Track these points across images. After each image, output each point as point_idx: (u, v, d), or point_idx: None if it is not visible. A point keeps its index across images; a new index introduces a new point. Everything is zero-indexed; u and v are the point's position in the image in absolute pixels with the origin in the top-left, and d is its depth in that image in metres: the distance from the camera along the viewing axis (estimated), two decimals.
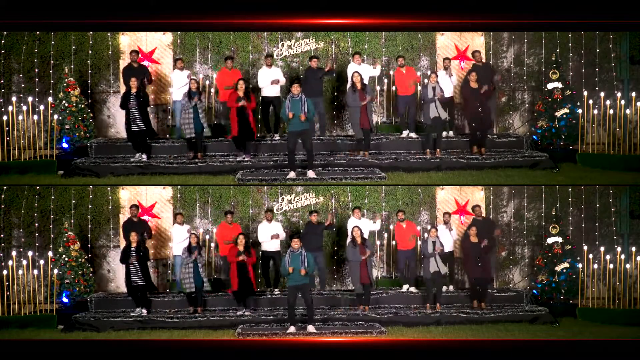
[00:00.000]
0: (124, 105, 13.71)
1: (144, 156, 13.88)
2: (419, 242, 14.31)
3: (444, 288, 14.13)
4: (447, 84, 14.43)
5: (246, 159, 13.93)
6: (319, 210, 14.37)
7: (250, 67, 14.81)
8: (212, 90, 14.67)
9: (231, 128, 13.89)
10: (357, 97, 13.83)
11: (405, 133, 14.55)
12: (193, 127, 13.78)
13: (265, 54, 14.59)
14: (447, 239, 14.10)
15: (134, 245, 13.37)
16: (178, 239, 13.97)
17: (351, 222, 13.96)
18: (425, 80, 14.37)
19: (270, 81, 14.26)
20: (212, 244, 14.39)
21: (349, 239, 13.78)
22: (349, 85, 14.13)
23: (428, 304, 13.78)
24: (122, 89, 14.29)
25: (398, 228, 14.19)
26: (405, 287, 14.21)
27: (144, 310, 13.49)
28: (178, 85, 14.20)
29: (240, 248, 13.34)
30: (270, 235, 13.96)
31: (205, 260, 13.80)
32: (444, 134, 14.41)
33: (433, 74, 14.22)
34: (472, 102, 14.08)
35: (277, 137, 14.50)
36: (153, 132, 14.09)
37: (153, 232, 14.35)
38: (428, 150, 14.17)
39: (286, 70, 14.89)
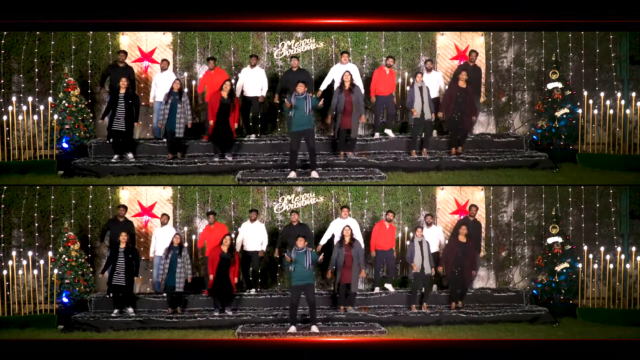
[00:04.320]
0: (112, 104, 13.64)
1: (130, 155, 13.82)
2: (407, 243, 14.33)
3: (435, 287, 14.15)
4: (432, 85, 14.39)
5: (229, 159, 13.89)
6: (299, 211, 14.35)
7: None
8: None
9: (209, 128, 13.86)
10: (343, 97, 13.77)
11: (377, 135, 14.51)
12: (164, 125, 13.74)
13: (250, 54, 14.56)
14: (433, 239, 14.07)
15: (122, 245, 13.35)
16: (160, 240, 13.92)
17: (338, 223, 13.91)
18: (411, 80, 14.35)
19: (253, 81, 14.22)
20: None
21: (337, 239, 13.73)
22: (337, 84, 14.07)
23: (414, 305, 13.76)
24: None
25: (380, 227, 14.12)
26: (377, 289, 14.16)
27: (130, 309, 13.46)
28: (160, 85, 14.14)
29: (224, 249, 13.32)
30: (257, 236, 13.95)
31: (186, 261, 13.63)
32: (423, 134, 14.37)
33: (419, 74, 14.17)
34: (455, 101, 14.01)
35: (266, 137, 14.47)
36: (131, 136, 13.88)
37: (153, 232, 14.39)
38: (415, 150, 14.14)
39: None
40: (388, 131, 14.56)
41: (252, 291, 14.14)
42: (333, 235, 13.89)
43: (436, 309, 13.70)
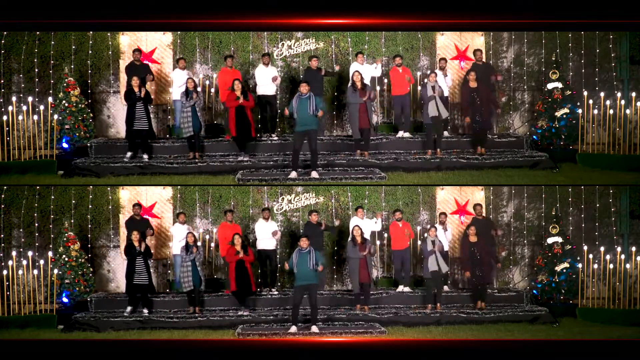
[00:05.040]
0: (129, 101, 13.67)
1: (145, 156, 13.88)
2: (418, 242, 14.35)
3: (445, 288, 14.15)
4: (443, 85, 14.42)
5: (245, 158, 13.92)
6: (318, 210, 14.38)
7: (250, 67, 14.81)
8: (212, 89, 14.68)
9: (229, 128, 13.89)
10: (357, 96, 13.85)
11: (400, 133, 14.53)
12: (191, 126, 13.78)
13: (262, 53, 14.58)
14: (443, 239, 14.08)
15: (136, 243, 13.38)
16: (177, 238, 13.97)
17: (353, 222, 13.97)
18: (425, 80, 14.40)
19: (267, 79, 14.26)
20: (212, 244, 14.40)
21: (349, 238, 13.78)
22: (349, 84, 14.14)
23: (430, 305, 13.77)
24: (123, 88, 14.30)
25: (394, 227, 14.17)
26: (400, 288, 14.21)
27: (145, 310, 13.50)
28: (177, 84, 14.21)
29: (238, 248, 13.34)
30: (270, 232, 13.94)
31: (201, 258, 13.69)
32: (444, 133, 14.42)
33: (432, 73, 14.21)
34: (471, 102, 14.07)
35: (274, 136, 14.49)
36: (153, 133, 14.09)
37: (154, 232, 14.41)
38: (430, 150, 14.15)
39: (286, 70, 14.89)
40: (406, 134, 14.53)
41: (274, 290, 14.18)
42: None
43: (436, 309, 13.70)
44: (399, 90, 14.45)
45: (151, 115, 14.10)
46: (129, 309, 13.50)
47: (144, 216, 14.21)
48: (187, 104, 13.72)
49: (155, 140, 14.27)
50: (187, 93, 13.79)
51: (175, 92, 14.27)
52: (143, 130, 13.75)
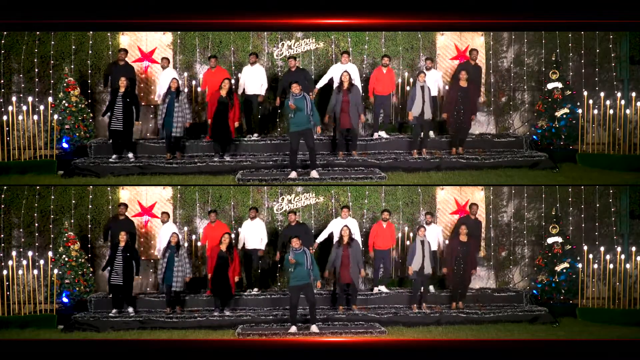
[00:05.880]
0: (111, 103, 13.69)
1: (130, 154, 13.85)
2: (407, 242, 14.35)
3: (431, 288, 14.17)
4: (432, 84, 14.40)
5: (226, 158, 13.90)
6: (295, 210, 14.35)
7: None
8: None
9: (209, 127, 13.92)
10: (340, 97, 13.81)
11: (375, 135, 14.52)
12: (164, 126, 13.79)
13: (250, 52, 14.58)
14: (432, 239, 14.06)
15: (122, 244, 13.36)
16: (163, 238, 13.95)
17: (337, 222, 13.91)
18: (412, 79, 14.37)
19: (252, 79, 14.26)
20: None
21: (335, 238, 13.73)
22: (336, 84, 14.09)
23: (414, 305, 13.75)
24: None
25: (378, 227, 14.12)
26: (376, 289, 14.17)
27: (130, 309, 13.48)
28: (163, 84, 14.20)
29: (223, 247, 13.33)
30: (255, 232, 13.91)
31: (183, 258, 13.62)
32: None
33: (422, 73, 14.18)
34: (456, 101, 14.02)
35: (274, 136, 14.49)
36: (130, 136, 13.88)
37: (153, 232, 14.40)
38: (415, 150, 14.15)
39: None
40: (382, 132, 14.56)
41: (254, 291, 14.14)
42: (331, 234, 13.90)
43: (436, 309, 13.70)
44: (381, 90, 14.40)
45: (149, 116, 14.09)
46: (114, 310, 13.48)
47: (130, 217, 14.20)
48: (163, 105, 13.69)
49: (155, 140, 14.27)
50: (167, 92, 13.76)
51: (161, 93, 14.20)
52: (119, 131, 13.70)
